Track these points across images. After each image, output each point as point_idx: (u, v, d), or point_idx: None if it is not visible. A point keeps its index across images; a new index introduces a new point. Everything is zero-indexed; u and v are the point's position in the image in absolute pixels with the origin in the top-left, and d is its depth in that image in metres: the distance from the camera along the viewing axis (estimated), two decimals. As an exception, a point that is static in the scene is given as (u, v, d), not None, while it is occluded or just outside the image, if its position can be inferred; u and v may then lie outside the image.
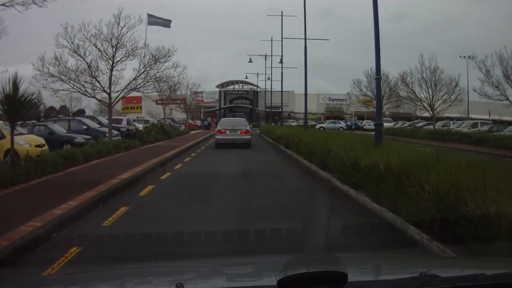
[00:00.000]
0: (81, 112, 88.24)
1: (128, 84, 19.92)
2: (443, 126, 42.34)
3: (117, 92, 20.50)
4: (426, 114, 66.49)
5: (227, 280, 2.56)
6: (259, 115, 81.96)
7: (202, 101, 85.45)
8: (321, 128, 46.23)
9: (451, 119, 63.65)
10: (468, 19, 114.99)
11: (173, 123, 36.89)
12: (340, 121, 62.26)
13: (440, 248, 4.75)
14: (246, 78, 65.25)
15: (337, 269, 2.08)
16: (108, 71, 19.78)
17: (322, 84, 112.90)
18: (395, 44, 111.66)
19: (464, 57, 63.52)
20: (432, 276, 2.03)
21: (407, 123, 52.24)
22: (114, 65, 19.77)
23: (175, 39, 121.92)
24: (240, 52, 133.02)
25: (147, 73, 20.34)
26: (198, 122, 65.59)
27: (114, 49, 19.38)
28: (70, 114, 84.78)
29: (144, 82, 20.15)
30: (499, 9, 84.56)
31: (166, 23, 59.07)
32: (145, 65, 19.68)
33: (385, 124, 55.40)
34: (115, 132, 22.96)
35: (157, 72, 20.36)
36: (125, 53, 19.66)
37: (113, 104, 20.43)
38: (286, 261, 2.80)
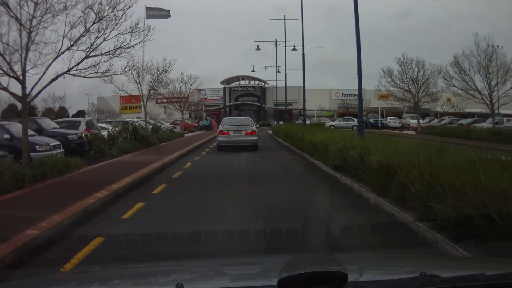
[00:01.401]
0: (81, 114, 79.21)
1: (54, 60, 10.87)
2: (496, 123, 32.79)
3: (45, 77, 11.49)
4: (440, 110, 57.67)
5: (227, 280, 2.43)
6: (268, 113, 72.96)
7: (206, 99, 76.78)
8: (332, 127, 37.08)
9: (472, 115, 54.38)
10: (471, 15, 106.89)
11: (159, 125, 27.33)
12: (354, 119, 51.93)
13: None
14: (253, 71, 55.84)
15: (337, 269, 1.97)
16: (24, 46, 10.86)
17: (330, 83, 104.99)
18: (399, 41, 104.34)
19: (493, 46, 54.47)
20: (432, 276, 1.93)
21: (446, 120, 42.21)
22: (31, 30, 10.86)
23: (181, 39, 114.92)
24: (248, 50, 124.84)
25: (93, 43, 11.29)
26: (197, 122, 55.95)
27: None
28: (69, 115, 76.25)
29: (84, 58, 11.09)
30: (502, 5, 76.32)
31: (165, 14, 52.47)
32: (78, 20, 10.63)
33: (415, 122, 46.08)
34: (52, 144, 14.00)
35: (104, 40, 11.21)
36: (48, 8, 10.68)
37: (30, 97, 11.36)
38: (286, 261, 2.70)
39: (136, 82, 23.31)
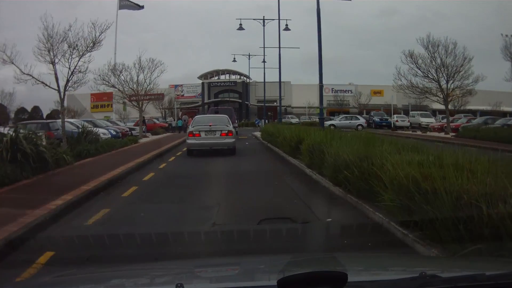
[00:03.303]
0: (55, 113, 69.12)
1: None
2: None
3: None
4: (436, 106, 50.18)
5: (227, 280, 2.35)
6: (251, 110, 64.52)
7: (182, 95, 68.27)
8: (332, 126, 28.64)
9: (474, 112, 47.14)
10: (456, 14, 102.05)
11: (90, 128, 17.72)
12: (358, 117, 43.45)
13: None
14: (234, 61, 47.96)
15: (337, 269, 1.96)
16: None
17: (315, 80, 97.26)
18: (384, 39, 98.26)
19: (506, 35, 47.19)
20: (432, 276, 1.90)
21: (479, 119, 33.51)
22: None
23: (166, 37, 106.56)
24: (233, 50, 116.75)
25: None
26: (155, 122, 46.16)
27: None
28: (44, 116, 65.93)
29: None
30: (487, 3, 70.93)
31: (137, 7, 46.40)
32: None
33: (427, 120, 38.27)
34: None
35: None
36: None
37: None
38: (286, 261, 2.64)
39: (51, 62, 14.16)
